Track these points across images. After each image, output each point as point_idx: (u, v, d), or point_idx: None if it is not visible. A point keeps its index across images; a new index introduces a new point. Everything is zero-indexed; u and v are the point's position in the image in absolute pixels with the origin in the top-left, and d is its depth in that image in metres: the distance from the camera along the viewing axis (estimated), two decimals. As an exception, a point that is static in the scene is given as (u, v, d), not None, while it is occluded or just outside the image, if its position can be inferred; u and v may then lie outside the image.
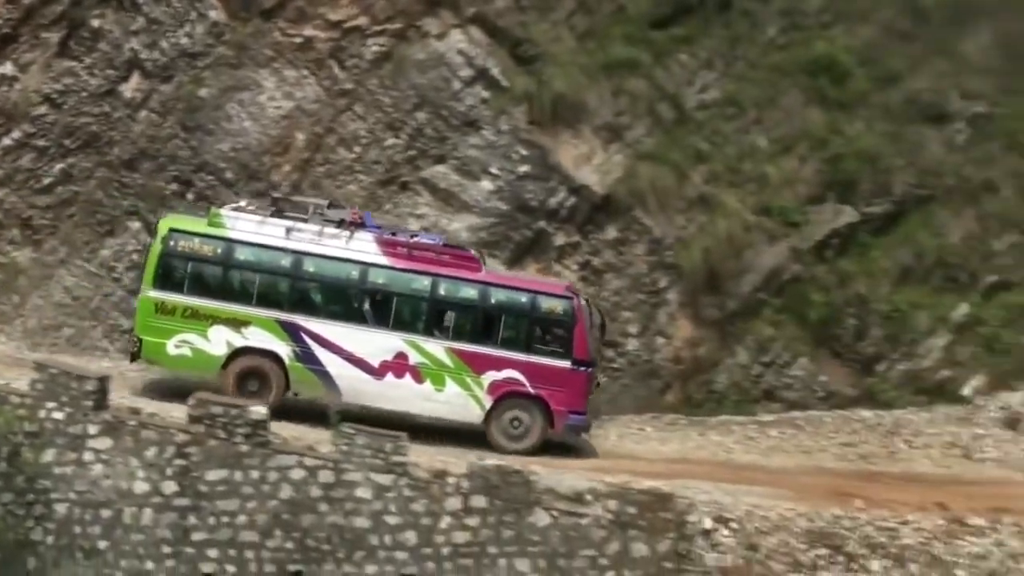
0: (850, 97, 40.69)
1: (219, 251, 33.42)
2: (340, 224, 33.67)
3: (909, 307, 38.68)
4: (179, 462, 29.09)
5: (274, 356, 33.29)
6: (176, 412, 30.22)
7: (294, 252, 33.37)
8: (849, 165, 39.81)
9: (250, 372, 33.27)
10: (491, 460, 30.62)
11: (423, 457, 30.45)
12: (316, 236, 33.42)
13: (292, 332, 33.34)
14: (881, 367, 38.79)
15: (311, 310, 33.47)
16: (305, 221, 33.56)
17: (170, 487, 29.08)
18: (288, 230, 33.42)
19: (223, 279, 33.48)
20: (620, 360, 38.66)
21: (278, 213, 33.99)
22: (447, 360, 33.32)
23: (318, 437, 30.72)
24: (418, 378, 33.29)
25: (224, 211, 33.80)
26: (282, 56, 38.61)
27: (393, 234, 34.25)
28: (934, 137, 40.88)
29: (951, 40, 41.43)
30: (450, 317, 33.59)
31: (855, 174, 39.79)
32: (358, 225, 33.77)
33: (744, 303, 38.43)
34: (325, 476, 29.24)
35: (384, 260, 33.49)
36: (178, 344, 33.33)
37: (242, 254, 33.45)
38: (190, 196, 37.90)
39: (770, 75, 40.76)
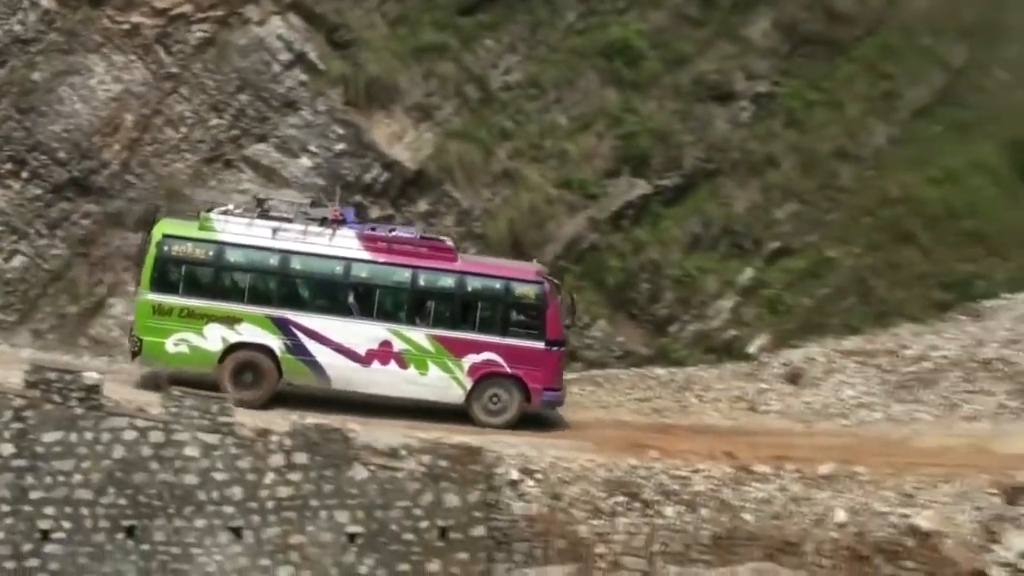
0: (643, 78, 41.09)
1: (211, 253, 33.76)
2: (323, 222, 34.00)
3: (698, 272, 39.35)
4: (16, 425, 29.14)
5: (267, 349, 33.63)
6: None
7: (281, 251, 33.72)
8: (642, 141, 40.37)
9: (245, 365, 33.64)
10: (311, 419, 30.83)
11: (247, 417, 30.70)
12: (301, 235, 33.77)
13: (282, 326, 33.69)
14: (673, 328, 39.41)
15: (299, 305, 33.82)
16: (290, 221, 33.84)
17: (8, 449, 29.12)
18: (274, 231, 33.78)
19: (216, 279, 33.86)
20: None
21: (264, 214, 34.24)
22: (429, 346, 33.75)
23: (149, 400, 30.85)
24: (402, 364, 33.71)
25: (214, 215, 33.98)
26: (111, 42, 38.40)
27: (373, 229, 34.62)
28: (720, 115, 41.46)
29: (735, 24, 41.96)
30: (430, 305, 33.94)
31: (648, 150, 40.36)
32: (339, 222, 34.06)
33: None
34: (155, 436, 29.38)
35: (366, 255, 33.90)
36: (176, 343, 33.68)
37: (232, 255, 33.82)
38: (24, 174, 37.86)
39: (569, 58, 41.09)
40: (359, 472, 30.02)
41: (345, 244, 33.77)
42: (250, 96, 38.76)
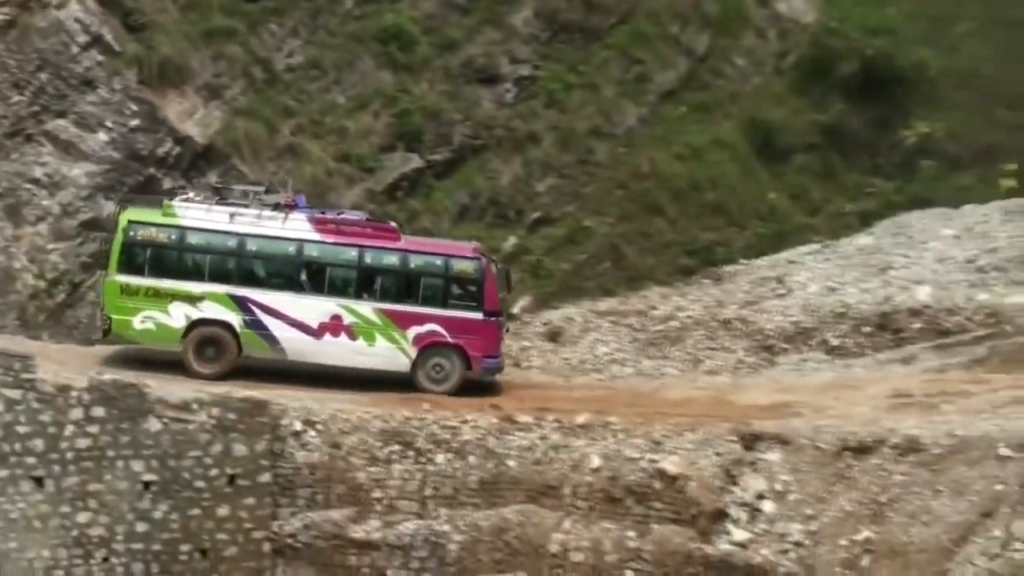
0: (415, 61, 41.61)
1: (173, 237, 33.82)
2: (276, 207, 34.12)
3: (467, 239, 39.86)
4: None
5: (227, 325, 33.70)
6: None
7: (238, 234, 33.79)
8: (415, 119, 40.86)
9: (207, 340, 33.71)
10: (109, 375, 30.91)
11: (49, 374, 30.63)
12: (256, 219, 33.87)
13: (241, 303, 33.77)
14: (443, 291, 39.92)
15: (256, 283, 33.93)
16: (246, 207, 33.92)
17: None
18: (232, 215, 33.88)
19: (178, 261, 33.91)
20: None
21: (221, 200, 34.34)
22: (376, 319, 33.86)
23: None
24: (352, 336, 33.82)
25: (176, 202, 34.04)
26: (-85, 23, 37.77)
27: (323, 213, 34.71)
28: (487, 95, 42.01)
29: (500, 13, 42.53)
30: (376, 281, 34.08)
31: (420, 127, 40.87)
32: (291, 207, 34.22)
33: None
34: (-40, 392, 29.16)
35: (316, 236, 34.01)
36: (143, 320, 33.73)
37: (193, 238, 33.86)
38: None
39: (347, 42, 41.50)
40: (153, 424, 30.29)
41: (297, 227, 34.03)
42: (50, 75, 38.49)
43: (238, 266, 33.96)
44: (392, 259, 33.95)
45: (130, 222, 33.91)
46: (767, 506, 30.16)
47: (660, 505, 30.43)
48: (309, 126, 40.43)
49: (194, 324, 33.75)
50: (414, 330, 33.73)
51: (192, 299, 33.73)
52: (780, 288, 38.37)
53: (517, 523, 30.79)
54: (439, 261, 34.02)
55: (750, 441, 31.11)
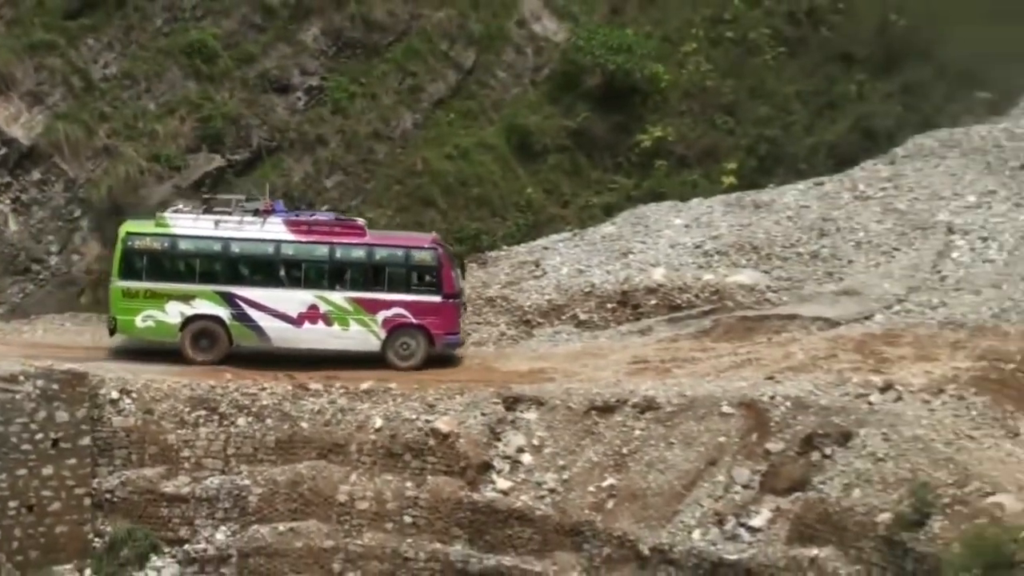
0: (217, 72, 41.14)
1: (166, 244, 33.84)
2: (256, 213, 33.93)
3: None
4: None
5: (217, 319, 33.58)
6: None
7: (223, 239, 33.67)
8: (217, 124, 40.41)
9: (201, 333, 33.60)
10: None
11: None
12: (238, 224, 33.79)
13: (228, 299, 33.68)
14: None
15: (241, 281, 33.86)
16: (229, 214, 33.77)
17: None
18: (216, 222, 33.78)
19: (171, 265, 33.91)
20: (45, 272, 38.51)
21: (208, 209, 34.26)
22: (348, 306, 33.79)
23: None
24: (328, 322, 33.78)
25: (167, 214, 34.04)
26: None
27: (297, 215, 34.63)
28: (280, 103, 41.70)
29: (292, 31, 42.20)
30: (346, 273, 34.00)
31: (222, 131, 40.44)
32: (269, 212, 34.13)
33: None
34: None
35: (291, 236, 33.94)
36: (144, 319, 33.75)
37: (183, 244, 33.82)
38: None
39: (157, 55, 40.85)
40: (-17, 394, 29.42)
41: (274, 229, 34.00)
42: None
43: (224, 266, 34.06)
44: (359, 253, 34.10)
45: (128, 233, 34.11)
46: (526, 458, 30.50)
47: (434, 459, 30.69)
48: (123, 129, 39.69)
49: (189, 320, 33.84)
50: (382, 314, 33.88)
51: (186, 298, 33.82)
52: (536, 271, 38.57)
53: (309, 477, 30.86)
54: (401, 252, 34.24)
55: (511, 403, 31.50)
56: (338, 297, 33.82)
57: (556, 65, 44.01)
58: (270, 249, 33.94)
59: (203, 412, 31.56)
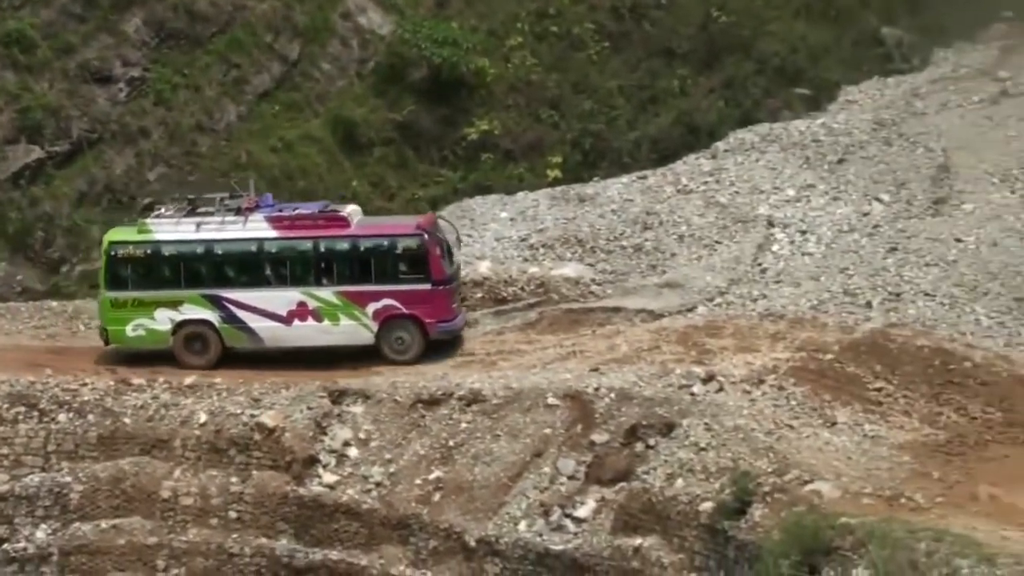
0: (36, 63, 40.30)
1: (149, 251, 32.79)
2: (237, 211, 32.72)
3: (85, 223, 38.97)
4: None
5: (207, 323, 32.45)
6: None
7: (205, 241, 32.48)
8: (36, 115, 39.61)
9: (192, 337, 32.54)
10: None
11: None
12: (220, 225, 32.62)
13: (216, 302, 32.57)
14: (65, 268, 38.97)
15: (227, 282, 32.71)
16: (211, 214, 32.64)
17: None
18: (198, 224, 32.59)
19: (156, 272, 32.81)
20: None
21: (192, 209, 33.13)
22: (337, 300, 32.57)
23: None
24: (318, 318, 32.59)
25: (149, 220, 33.23)
26: None
27: (280, 211, 33.18)
28: (102, 94, 40.97)
29: (114, 21, 41.51)
30: (332, 267, 32.74)
31: (42, 122, 39.65)
32: (252, 209, 32.90)
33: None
34: None
35: (274, 233, 32.66)
36: (134, 328, 32.77)
37: (166, 250, 32.72)
38: None
39: (-28, 46, 39.87)
40: None
41: (256, 226, 32.83)
42: None
43: (208, 269, 33.00)
44: (344, 245, 32.79)
45: (110, 243, 33.27)
46: (352, 452, 30.45)
47: (259, 454, 30.44)
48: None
49: (179, 325, 32.92)
50: (372, 306, 32.70)
51: (174, 304, 32.87)
52: (363, 263, 38.52)
53: (132, 473, 30.39)
54: (386, 242, 32.82)
55: (337, 397, 31.39)
56: (326, 292, 32.77)
57: (382, 58, 43.98)
58: (253, 248, 32.87)
59: (22, 408, 30.93)
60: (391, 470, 29.98)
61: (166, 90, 41.72)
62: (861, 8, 46.36)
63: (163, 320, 33.06)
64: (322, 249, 32.79)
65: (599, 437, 28.85)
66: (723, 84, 43.68)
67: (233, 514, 30.14)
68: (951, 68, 45.31)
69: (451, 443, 29.96)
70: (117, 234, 33.89)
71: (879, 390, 28.90)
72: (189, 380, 31.98)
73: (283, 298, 32.74)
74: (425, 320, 32.72)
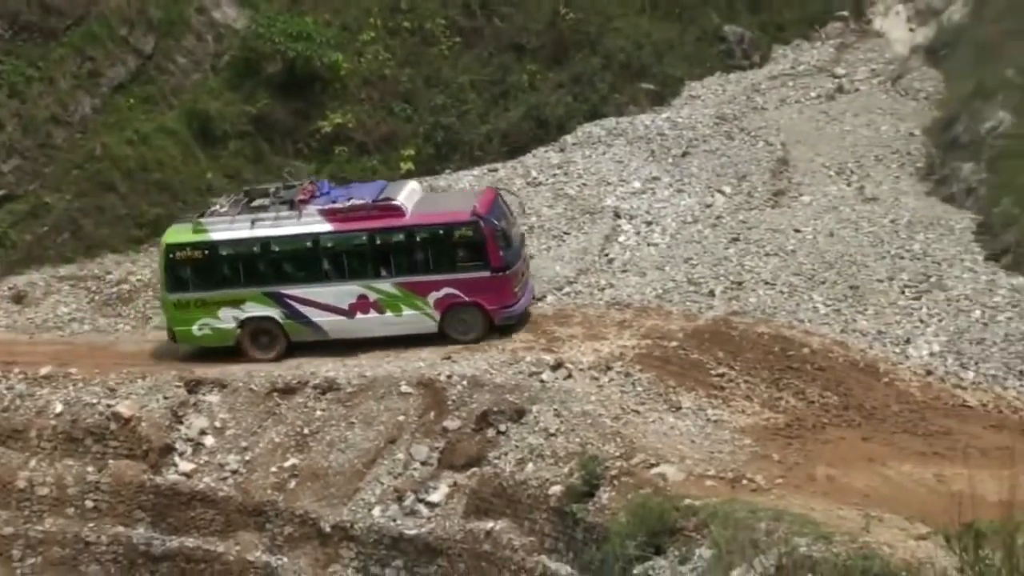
0: None
1: (207, 252, 31.74)
2: (291, 205, 31.45)
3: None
4: None
5: (271, 319, 31.44)
6: None
7: (260, 239, 31.35)
8: None
9: (258, 332, 31.79)
10: None
11: None
12: (274, 221, 31.38)
13: (278, 299, 31.70)
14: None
15: (286, 279, 31.74)
16: (265, 209, 31.51)
17: None
18: (252, 221, 31.39)
19: (216, 272, 31.79)
20: None
21: (249, 201, 32.02)
22: (397, 292, 31.43)
23: None
24: (380, 310, 31.46)
25: (204, 219, 32.35)
26: None
27: (334, 201, 31.88)
28: None
29: None
30: (389, 259, 31.53)
31: None
32: (306, 201, 31.70)
33: None
34: None
35: (328, 227, 31.50)
36: (200, 327, 32.17)
37: (223, 250, 31.76)
38: None
39: None
40: None
41: (311, 220, 31.70)
42: None
43: (267, 267, 32.14)
44: (399, 236, 31.65)
45: (168, 245, 32.45)
46: (209, 440, 30.45)
47: (116, 443, 30.38)
48: None
49: (243, 323, 32.06)
50: (433, 295, 31.52)
51: (236, 302, 32.07)
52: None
53: (-12, 464, 29.77)
54: (442, 230, 31.52)
55: (193, 386, 31.36)
56: (385, 284, 31.67)
57: (236, 52, 43.49)
58: (308, 244, 31.87)
59: None
60: (247, 458, 29.92)
61: (20, 82, 40.65)
62: (704, 6, 46.76)
63: (227, 319, 32.36)
64: (378, 241, 31.77)
65: (451, 424, 28.96)
66: (571, 79, 43.87)
67: (90, 503, 29.91)
68: (790, 65, 45.91)
69: (306, 431, 29.91)
70: (174, 236, 33.02)
71: (721, 376, 29.33)
72: (44, 371, 31.66)
73: (343, 292, 31.80)
74: (487, 307, 31.57)
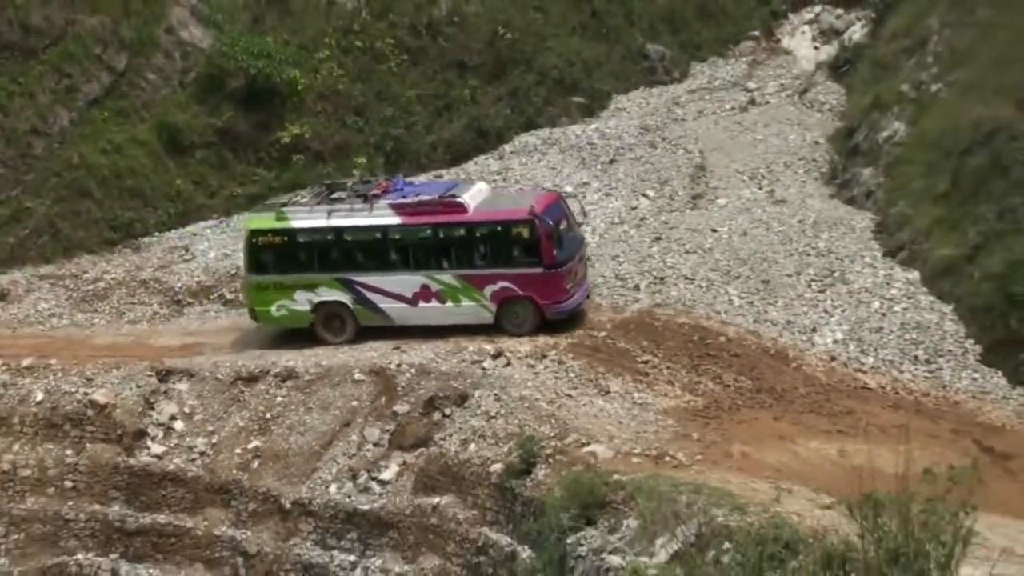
0: None
1: (286, 239, 31.33)
2: (364, 198, 30.89)
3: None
4: None
5: (342, 304, 30.81)
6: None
7: (335, 228, 30.79)
8: None
9: (331, 316, 31.54)
10: None
11: None
12: (348, 212, 30.83)
13: (348, 285, 31.00)
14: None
15: (356, 267, 31.08)
16: (342, 201, 31.08)
17: None
18: (328, 212, 30.88)
19: (293, 257, 31.56)
20: None
21: (328, 193, 32.13)
22: (456, 283, 30.62)
23: None
24: (441, 300, 30.69)
25: (286, 208, 31.86)
26: None
27: (403, 196, 31.27)
28: None
29: None
30: (451, 252, 30.77)
31: None
32: (379, 196, 31.19)
33: None
34: None
35: (397, 220, 30.77)
36: (278, 308, 31.72)
37: (301, 237, 31.27)
38: None
39: None
40: None
41: (381, 213, 31.03)
42: None
43: (339, 255, 31.41)
44: (460, 231, 30.79)
45: (251, 231, 31.87)
46: (178, 425, 30.25)
47: (92, 428, 30.08)
48: None
49: (317, 307, 31.44)
50: (489, 288, 30.59)
51: (311, 286, 31.42)
52: (187, 255, 38.21)
53: (-27, 449, 29.48)
54: (499, 228, 30.68)
55: (164, 375, 31.08)
56: (446, 276, 30.86)
57: (202, 69, 43.28)
58: (378, 235, 31.13)
59: None
60: (213, 441, 29.77)
61: (2, 97, 40.42)
62: (629, 27, 46.95)
63: (303, 301, 31.70)
64: (441, 235, 30.97)
65: (401, 408, 28.88)
66: (509, 93, 43.89)
67: (68, 483, 29.64)
68: (707, 80, 46.10)
69: (268, 415, 29.75)
70: (256, 222, 32.53)
71: (646, 362, 29.37)
72: (26, 362, 31.36)
73: (408, 282, 31.09)
74: (539, 301, 30.66)
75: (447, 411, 28.43)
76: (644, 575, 15.55)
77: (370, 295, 31.35)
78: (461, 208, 30.94)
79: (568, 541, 22.47)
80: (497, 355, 29.39)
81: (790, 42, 48.00)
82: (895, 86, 38.84)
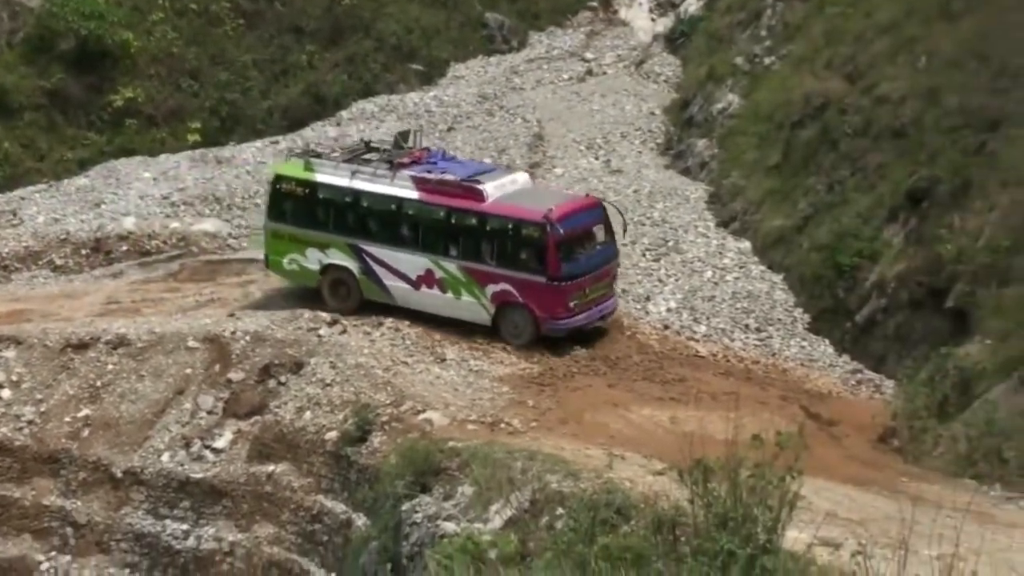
0: None
1: (308, 191, 29.38)
2: (390, 165, 28.44)
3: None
4: None
5: (348, 271, 28.56)
6: None
7: (354, 190, 28.58)
8: None
9: (338, 281, 28.95)
10: None
11: None
12: (371, 176, 28.49)
13: (357, 253, 28.78)
14: None
15: (368, 236, 28.89)
16: (369, 163, 28.69)
17: None
18: (353, 172, 28.60)
19: (311, 212, 29.57)
20: None
21: (363, 152, 29.93)
22: (460, 275, 28.23)
23: None
24: (443, 289, 28.36)
25: (315, 159, 29.87)
26: None
27: (429, 171, 28.74)
28: None
29: None
30: (460, 240, 28.36)
31: None
32: (405, 165, 28.78)
33: None
34: None
35: (415, 194, 28.44)
36: (289, 261, 29.86)
37: (322, 193, 29.22)
38: None
39: None
40: None
41: (401, 184, 28.68)
42: None
43: (354, 219, 29.33)
44: (472, 220, 28.23)
45: (276, 175, 30.36)
46: (4, 394, 29.56)
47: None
48: None
49: (326, 268, 29.43)
50: (490, 288, 28.16)
51: (322, 246, 29.38)
52: (14, 220, 37.16)
53: None
54: (511, 224, 28.08)
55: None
56: (451, 265, 28.49)
57: (31, 29, 42.12)
58: (392, 206, 28.86)
59: None
60: (42, 409, 29.14)
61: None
62: (468, -5, 46.98)
63: (312, 260, 29.72)
64: (453, 220, 28.56)
65: (235, 375, 28.61)
66: (346, 60, 43.62)
67: None
68: (545, 50, 46.33)
69: (99, 383, 29.20)
70: (283, 168, 30.88)
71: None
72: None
73: (413, 262, 28.78)
74: (537, 313, 28.09)
75: (282, 378, 28.19)
76: (478, 541, 15.58)
77: (377, 268, 29.28)
78: (479, 196, 28.36)
79: (403, 508, 22.52)
80: (333, 323, 29.17)
81: (627, 13, 48.43)
82: (729, 59, 39.44)
